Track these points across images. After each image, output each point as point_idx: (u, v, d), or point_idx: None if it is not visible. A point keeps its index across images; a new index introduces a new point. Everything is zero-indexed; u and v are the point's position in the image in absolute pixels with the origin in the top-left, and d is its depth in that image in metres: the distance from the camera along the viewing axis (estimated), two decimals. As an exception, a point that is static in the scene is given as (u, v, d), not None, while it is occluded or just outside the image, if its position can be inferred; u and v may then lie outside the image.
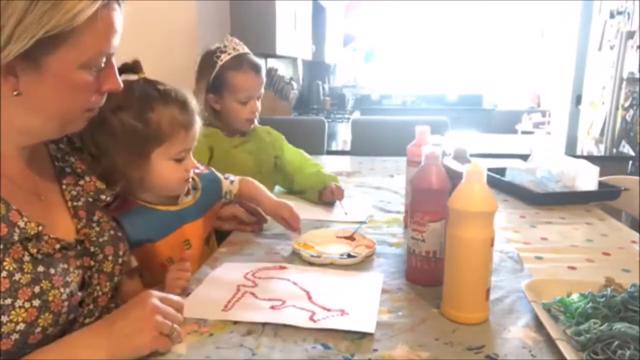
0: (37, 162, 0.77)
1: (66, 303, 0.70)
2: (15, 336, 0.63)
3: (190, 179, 1.02)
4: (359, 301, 0.84)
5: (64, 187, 0.80)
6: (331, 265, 1.01)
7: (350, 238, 1.14)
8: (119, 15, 0.70)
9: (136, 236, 0.92)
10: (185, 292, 0.87)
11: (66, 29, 0.62)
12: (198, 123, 0.97)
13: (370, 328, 0.74)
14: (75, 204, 0.80)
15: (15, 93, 0.64)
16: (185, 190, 1.02)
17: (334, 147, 2.91)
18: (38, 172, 0.77)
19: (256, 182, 1.23)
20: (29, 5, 0.60)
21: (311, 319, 0.77)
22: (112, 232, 0.84)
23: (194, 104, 0.97)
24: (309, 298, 0.85)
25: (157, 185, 0.95)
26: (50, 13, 0.61)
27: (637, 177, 1.67)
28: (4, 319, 0.62)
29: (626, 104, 3.57)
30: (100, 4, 0.64)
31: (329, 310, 0.80)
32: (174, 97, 0.92)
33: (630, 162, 2.86)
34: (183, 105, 0.93)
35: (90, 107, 0.74)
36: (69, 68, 0.66)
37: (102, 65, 0.71)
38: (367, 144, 2.61)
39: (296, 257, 1.05)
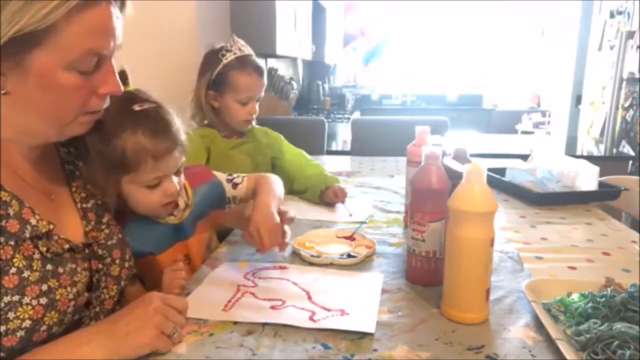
0: (48, 164, 0.78)
1: (72, 303, 0.70)
2: (20, 333, 0.63)
3: (183, 196, 0.97)
4: (359, 301, 0.84)
5: (73, 189, 0.80)
6: (331, 265, 1.01)
7: (350, 238, 1.14)
8: (110, 15, 0.67)
9: (137, 247, 0.89)
10: (184, 292, 0.87)
11: (39, 28, 0.61)
12: (179, 147, 0.88)
13: (370, 328, 0.74)
14: (84, 205, 0.80)
15: (3, 92, 0.64)
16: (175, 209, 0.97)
17: (334, 147, 2.91)
18: (49, 173, 0.77)
19: (270, 181, 1.09)
20: (2, 5, 0.59)
21: (311, 319, 0.77)
22: (120, 235, 0.84)
23: (177, 126, 0.87)
24: (309, 298, 0.85)
25: (135, 208, 0.90)
26: (21, 12, 0.60)
27: (637, 177, 1.67)
28: (11, 315, 0.63)
29: (626, 104, 3.57)
30: (76, 3, 0.62)
31: (329, 310, 0.81)
32: (147, 121, 0.82)
33: (630, 162, 2.86)
34: (159, 130, 0.83)
35: (89, 110, 0.72)
36: (52, 68, 0.65)
37: (93, 66, 0.68)
38: (367, 144, 2.61)
39: (296, 257, 1.04)
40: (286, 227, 0.99)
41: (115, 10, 0.69)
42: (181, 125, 0.89)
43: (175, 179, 0.91)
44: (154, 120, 0.83)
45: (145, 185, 0.87)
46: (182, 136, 0.89)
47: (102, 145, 0.80)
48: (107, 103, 0.74)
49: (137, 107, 0.82)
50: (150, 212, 0.93)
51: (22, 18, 0.60)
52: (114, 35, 0.69)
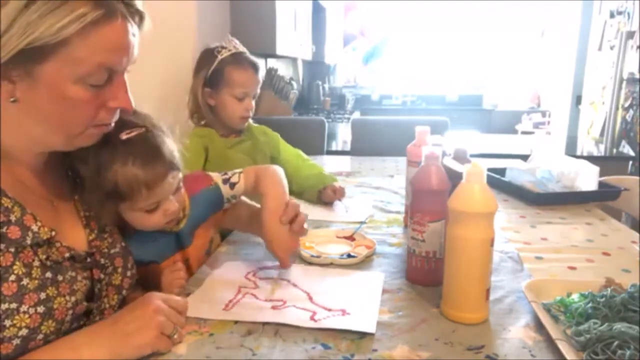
0: (52, 171, 0.77)
1: (70, 312, 0.70)
2: (16, 341, 0.63)
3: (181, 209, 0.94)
4: (360, 301, 0.84)
5: (76, 197, 0.80)
6: (331, 265, 1.01)
7: (350, 238, 1.14)
8: (126, 31, 0.66)
9: (140, 257, 0.89)
10: (184, 292, 0.87)
11: (51, 42, 0.61)
12: (173, 170, 0.84)
13: (370, 328, 0.74)
14: (87, 214, 0.80)
15: (11, 100, 0.64)
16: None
17: (334, 147, 2.91)
18: (53, 180, 0.77)
19: (272, 178, 1.01)
20: (16, 16, 0.59)
21: (312, 318, 0.78)
22: (123, 244, 0.84)
23: (169, 148, 0.83)
24: (310, 299, 0.85)
25: (136, 227, 0.88)
26: (35, 25, 0.59)
27: (637, 177, 1.67)
28: (8, 323, 0.62)
29: (626, 104, 3.57)
30: (91, 19, 0.62)
31: (329, 310, 0.81)
32: (136, 150, 0.78)
33: (630, 162, 2.85)
34: (149, 158, 0.80)
35: (98, 124, 0.71)
36: (62, 81, 0.64)
37: (104, 80, 0.68)
38: (367, 144, 2.61)
39: (296, 257, 1.05)
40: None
41: (132, 27, 0.68)
42: (174, 143, 0.86)
43: (173, 197, 0.88)
44: (144, 148, 0.80)
45: (142, 211, 0.85)
46: (176, 157, 0.85)
47: (95, 176, 0.78)
48: (116, 117, 0.74)
49: (124, 136, 0.78)
50: (148, 229, 0.91)
51: (36, 30, 0.60)
52: (127, 52, 0.68)
